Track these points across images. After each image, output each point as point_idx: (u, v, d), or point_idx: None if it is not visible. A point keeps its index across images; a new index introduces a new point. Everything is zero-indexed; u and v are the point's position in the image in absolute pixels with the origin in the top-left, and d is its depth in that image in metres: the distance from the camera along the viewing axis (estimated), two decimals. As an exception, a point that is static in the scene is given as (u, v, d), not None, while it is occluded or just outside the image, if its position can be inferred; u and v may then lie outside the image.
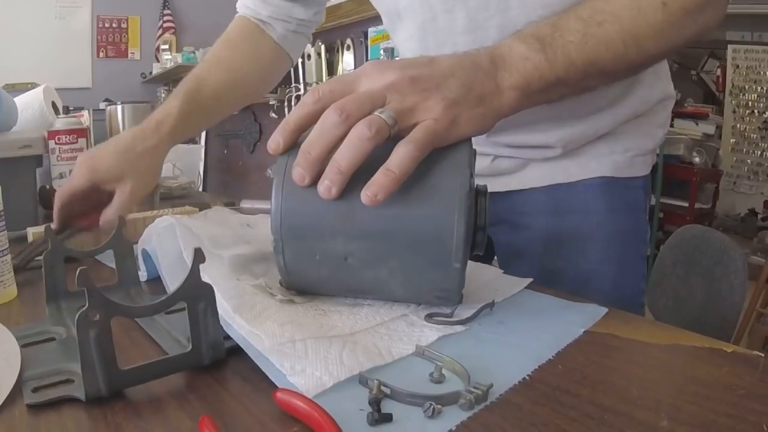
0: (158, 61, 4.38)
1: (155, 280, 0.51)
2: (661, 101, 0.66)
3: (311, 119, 0.39)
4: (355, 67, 2.55)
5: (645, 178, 0.67)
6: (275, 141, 0.40)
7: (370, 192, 0.35)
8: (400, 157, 0.36)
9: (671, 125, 3.12)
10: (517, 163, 0.67)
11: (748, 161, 3.48)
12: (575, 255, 0.65)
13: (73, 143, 0.83)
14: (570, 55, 0.44)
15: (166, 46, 4.30)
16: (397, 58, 0.43)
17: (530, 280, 0.51)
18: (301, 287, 0.44)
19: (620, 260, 0.65)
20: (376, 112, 0.37)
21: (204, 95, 0.72)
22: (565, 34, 0.44)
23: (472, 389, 0.30)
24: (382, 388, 0.31)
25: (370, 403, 0.29)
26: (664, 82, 0.66)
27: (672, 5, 0.45)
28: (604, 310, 0.45)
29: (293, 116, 0.40)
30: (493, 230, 0.72)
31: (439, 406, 0.29)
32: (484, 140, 0.65)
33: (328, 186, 0.37)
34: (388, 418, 0.29)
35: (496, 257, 0.74)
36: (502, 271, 0.54)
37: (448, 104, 0.39)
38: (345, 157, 0.36)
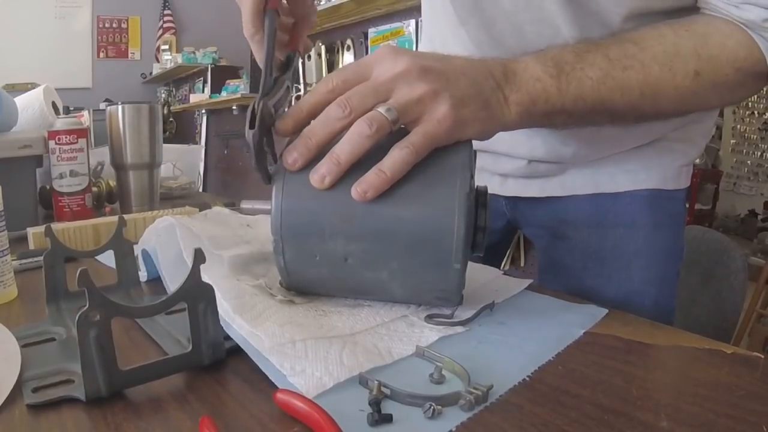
0: (158, 61, 4.39)
1: (155, 281, 0.51)
2: (709, 110, 0.61)
3: (323, 108, 0.39)
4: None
5: (687, 189, 0.63)
6: (285, 123, 0.40)
7: (360, 188, 0.37)
8: (394, 160, 0.37)
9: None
10: (554, 167, 0.62)
11: (748, 162, 3.48)
12: (617, 273, 0.61)
13: (73, 143, 0.83)
14: (583, 90, 0.43)
15: (166, 47, 4.31)
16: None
17: (530, 281, 0.51)
18: (301, 288, 0.44)
19: (661, 279, 0.61)
20: (379, 108, 0.37)
21: None
22: (586, 69, 0.43)
23: (472, 390, 0.30)
24: (382, 388, 0.31)
25: (370, 404, 0.29)
26: None
27: (705, 77, 0.44)
28: (604, 311, 0.45)
29: (306, 103, 0.40)
30: (535, 235, 0.70)
31: (439, 407, 0.29)
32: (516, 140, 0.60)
33: (322, 175, 0.37)
34: (388, 419, 0.29)
35: (523, 260, 0.72)
36: (502, 272, 0.54)
37: (455, 103, 0.39)
38: (344, 150, 0.37)
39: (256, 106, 0.38)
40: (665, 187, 0.60)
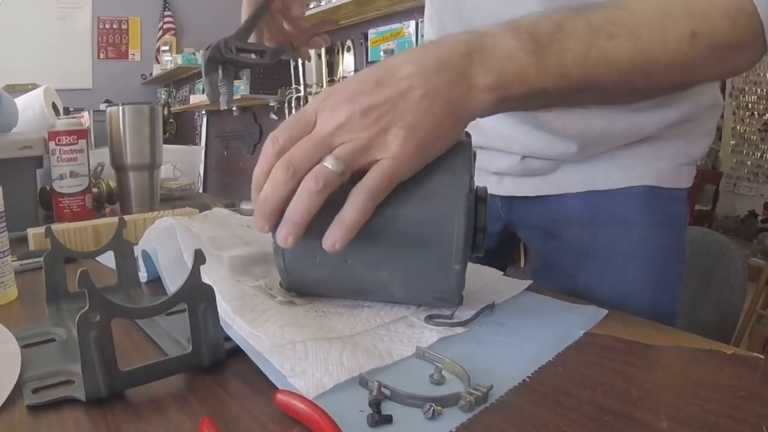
0: (158, 63, 4.39)
1: (155, 281, 0.51)
2: (710, 107, 0.60)
3: (303, 125, 0.38)
4: (356, 70, 2.55)
5: (688, 189, 0.61)
6: (255, 203, 0.38)
7: (328, 243, 0.36)
8: (352, 207, 0.36)
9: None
10: (548, 164, 0.61)
11: (748, 163, 3.48)
12: (611, 272, 0.60)
13: (74, 144, 0.83)
14: (565, 65, 0.38)
15: (167, 48, 4.31)
16: (361, 72, 0.40)
17: (530, 282, 0.51)
18: (300, 289, 0.44)
19: (658, 280, 0.60)
20: (324, 162, 0.36)
21: None
22: (566, 40, 0.38)
23: (472, 391, 0.30)
24: (383, 389, 0.31)
25: (370, 405, 0.29)
26: (714, 87, 0.61)
27: (702, 38, 0.38)
28: (604, 311, 0.45)
29: (260, 173, 0.38)
30: (529, 237, 0.69)
31: (439, 408, 0.29)
32: (509, 125, 0.59)
33: (284, 235, 0.37)
34: (388, 420, 0.29)
35: (523, 261, 0.72)
36: (502, 273, 0.54)
37: (408, 134, 0.36)
38: (297, 211, 0.36)
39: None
40: (663, 185, 0.59)
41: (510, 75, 0.38)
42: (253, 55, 0.56)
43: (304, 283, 0.43)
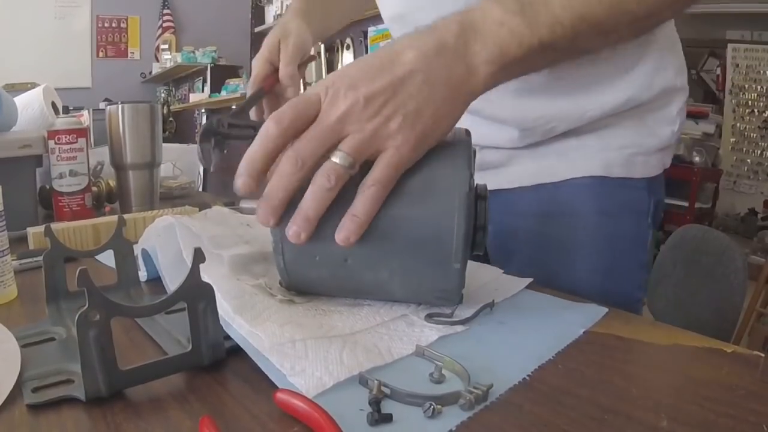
0: (158, 61, 4.39)
1: (155, 280, 0.51)
2: (667, 93, 0.59)
3: (277, 154, 0.38)
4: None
5: (651, 179, 0.62)
6: (245, 184, 0.37)
7: (342, 236, 0.37)
8: (364, 201, 0.37)
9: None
10: (501, 157, 0.63)
11: (748, 161, 3.48)
12: (562, 261, 0.61)
13: (73, 143, 0.83)
14: (554, 12, 0.38)
15: (166, 46, 4.31)
16: (364, 58, 0.40)
17: (530, 280, 0.51)
18: (300, 288, 0.44)
19: (611, 268, 0.61)
20: (334, 158, 0.36)
21: None
22: None
23: (472, 389, 0.30)
24: (382, 388, 0.31)
25: (370, 404, 0.29)
26: (672, 72, 0.59)
27: None
28: (604, 310, 0.45)
29: (256, 154, 0.37)
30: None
31: (439, 407, 0.29)
32: None
33: (296, 231, 0.37)
34: (388, 419, 0.29)
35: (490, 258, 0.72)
36: (502, 271, 0.54)
37: (411, 121, 0.37)
38: (310, 207, 0.37)
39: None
40: (611, 174, 0.59)
41: (505, 41, 0.38)
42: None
43: (304, 282, 0.43)
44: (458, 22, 0.39)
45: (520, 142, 0.61)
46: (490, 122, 0.61)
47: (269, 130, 0.37)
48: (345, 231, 0.37)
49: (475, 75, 0.39)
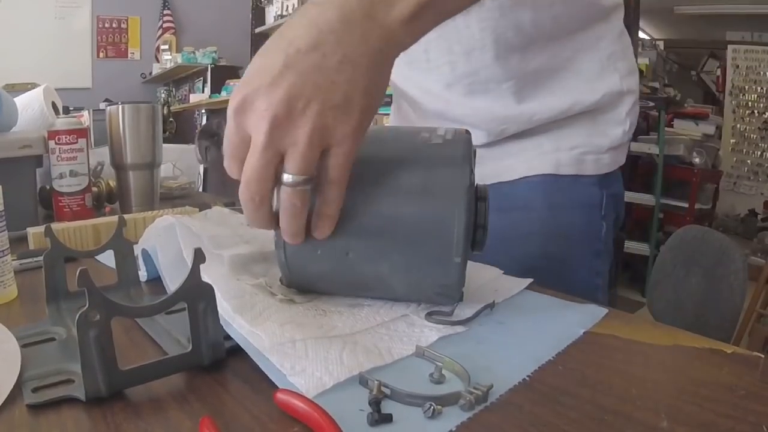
0: (158, 61, 4.39)
1: (155, 281, 0.51)
2: (614, 96, 0.64)
3: (243, 146, 0.35)
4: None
5: (604, 176, 0.66)
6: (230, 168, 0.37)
7: (318, 233, 0.39)
8: (327, 200, 0.37)
9: (671, 125, 3.13)
10: None
11: (748, 161, 3.48)
12: (517, 250, 0.65)
13: (73, 143, 0.83)
14: None
15: (166, 46, 4.31)
16: (260, 58, 0.36)
17: (530, 280, 0.51)
18: (301, 283, 0.44)
19: (565, 256, 0.66)
20: (286, 182, 0.35)
21: None
22: None
23: (473, 390, 0.30)
24: (383, 388, 0.31)
25: (370, 404, 0.29)
26: (619, 76, 0.64)
27: None
28: (604, 310, 0.45)
29: (244, 186, 0.36)
30: None
31: (439, 407, 0.29)
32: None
33: (290, 239, 0.39)
34: (388, 419, 0.29)
35: None
36: (502, 271, 0.54)
37: (343, 111, 0.34)
38: (290, 225, 0.37)
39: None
40: (561, 172, 0.65)
41: None
42: None
43: (305, 277, 0.43)
44: None
45: (477, 140, 0.64)
46: (452, 123, 0.64)
47: (233, 174, 0.37)
48: (319, 229, 0.38)
49: (393, 34, 0.35)
